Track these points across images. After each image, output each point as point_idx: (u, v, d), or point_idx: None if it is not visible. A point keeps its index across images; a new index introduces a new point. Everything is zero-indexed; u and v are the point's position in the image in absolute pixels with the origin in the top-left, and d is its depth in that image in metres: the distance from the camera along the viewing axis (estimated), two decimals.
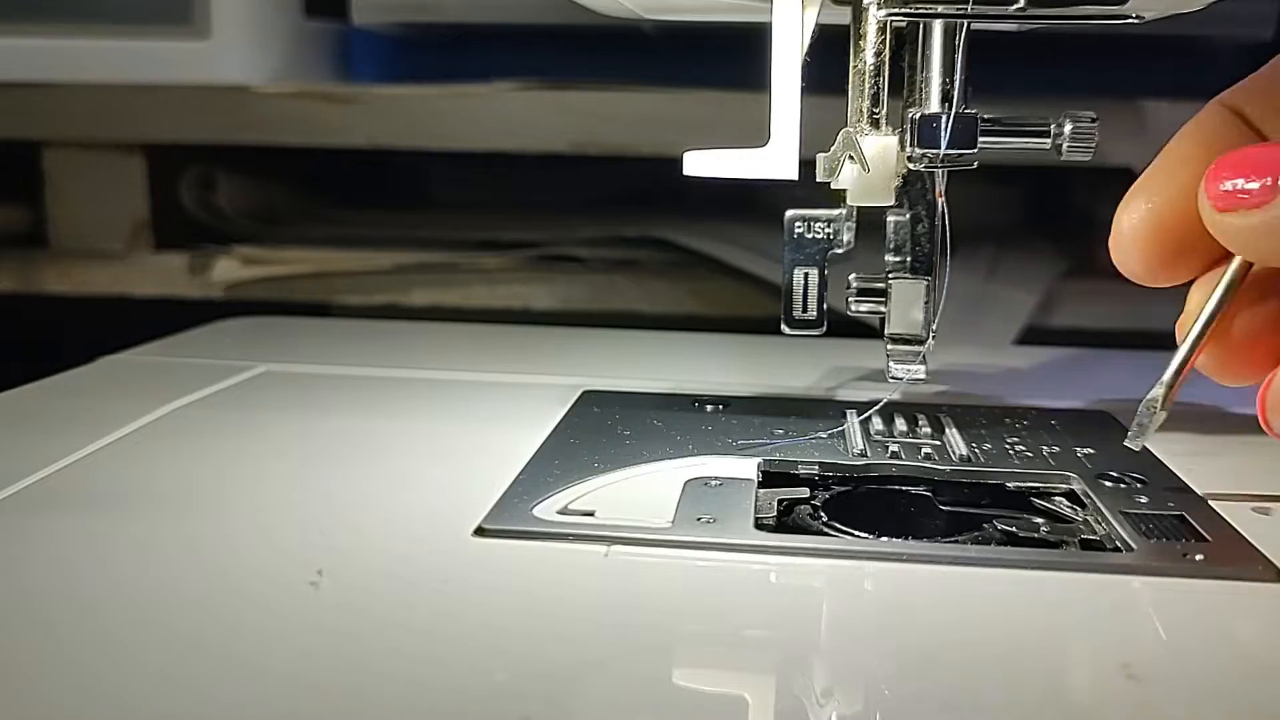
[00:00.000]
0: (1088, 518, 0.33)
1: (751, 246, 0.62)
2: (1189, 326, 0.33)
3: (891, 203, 0.37)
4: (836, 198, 0.38)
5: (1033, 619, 0.27)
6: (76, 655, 0.24)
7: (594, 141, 0.62)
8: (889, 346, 0.39)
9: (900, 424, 0.39)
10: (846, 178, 0.36)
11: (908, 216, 0.39)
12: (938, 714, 0.23)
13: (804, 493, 0.34)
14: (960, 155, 0.34)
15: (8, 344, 0.64)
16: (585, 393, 0.43)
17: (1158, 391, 0.33)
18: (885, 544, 0.30)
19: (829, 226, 0.39)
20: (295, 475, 0.36)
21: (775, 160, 0.34)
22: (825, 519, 0.33)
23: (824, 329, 0.39)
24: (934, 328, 0.39)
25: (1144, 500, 0.33)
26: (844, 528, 0.32)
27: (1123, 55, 0.66)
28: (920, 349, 0.39)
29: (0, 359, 0.53)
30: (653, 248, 0.65)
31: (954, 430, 0.39)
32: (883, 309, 0.39)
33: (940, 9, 0.33)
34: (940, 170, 0.36)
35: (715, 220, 0.65)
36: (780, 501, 0.34)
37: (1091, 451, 0.37)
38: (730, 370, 0.49)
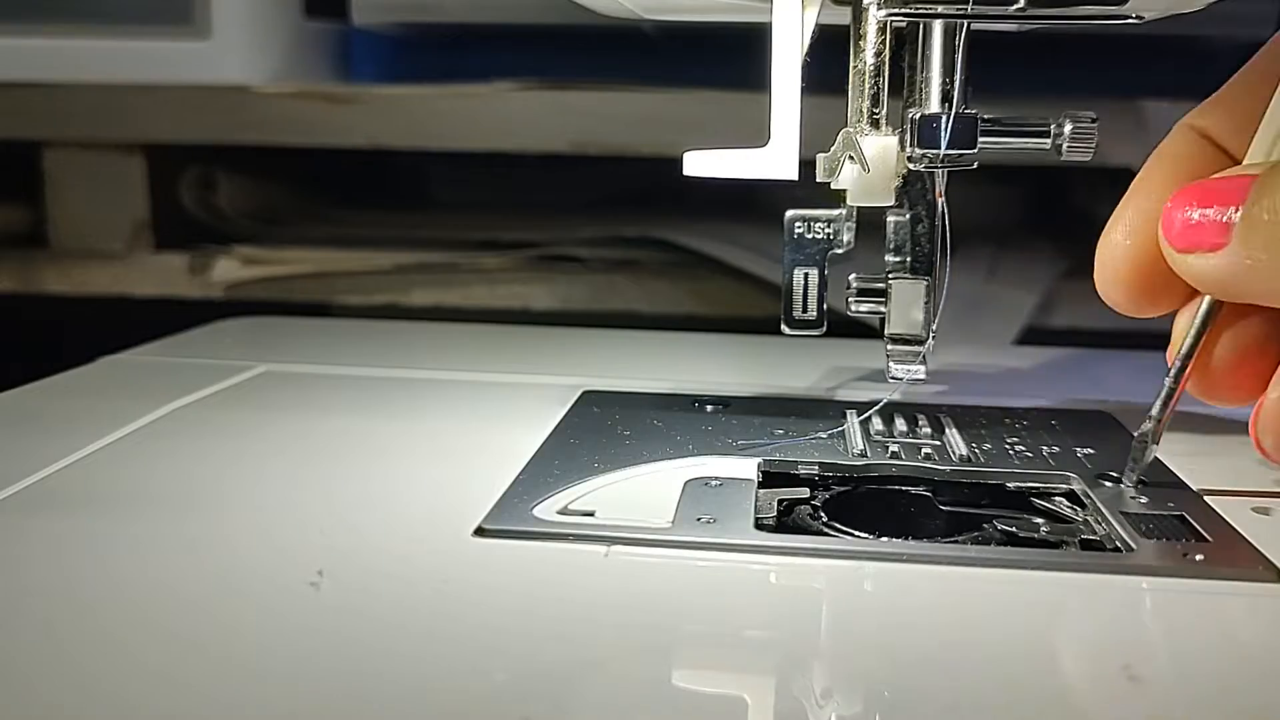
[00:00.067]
0: (1088, 518, 0.33)
1: (751, 246, 0.62)
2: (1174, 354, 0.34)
3: (891, 203, 0.37)
4: (836, 198, 0.38)
5: (1033, 619, 0.27)
6: (76, 655, 0.24)
7: (594, 141, 0.62)
8: (889, 346, 0.39)
9: (900, 424, 0.39)
10: (846, 178, 0.36)
11: (908, 216, 0.39)
12: (938, 714, 0.23)
13: (804, 493, 0.34)
14: (960, 155, 0.34)
15: (8, 344, 0.64)
16: (585, 393, 0.43)
17: (1147, 426, 0.33)
18: (885, 544, 0.30)
19: (829, 226, 0.39)
20: (295, 475, 0.36)
21: (775, 160, 0.34)
22: (825, 519, 0.33)
23: (824, 329, 0.39)
24: (934, 328, 0.39)
25: (1144, 500, 0.33)
26: (844, 528, 0.32)
27: (1123, 55, 0.66)
28: (920, 349, 0.39)
29: (0, 359, 0.53)
30: (653, 248, 0.65)
31: (954, 430, 0.39)
32: (883, 309, 0.39)
33: (940, 9, 0.33)
34: (940, 170, 0.36)
35: (715, 220, 0.65)
36: (780, 501, 0.34)
37: (1091, 451, 0.37)
38: (730, 370, 0.49)
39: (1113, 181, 0.36)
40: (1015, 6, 0.32)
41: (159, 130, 0.64)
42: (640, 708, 0.23)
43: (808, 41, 0.34)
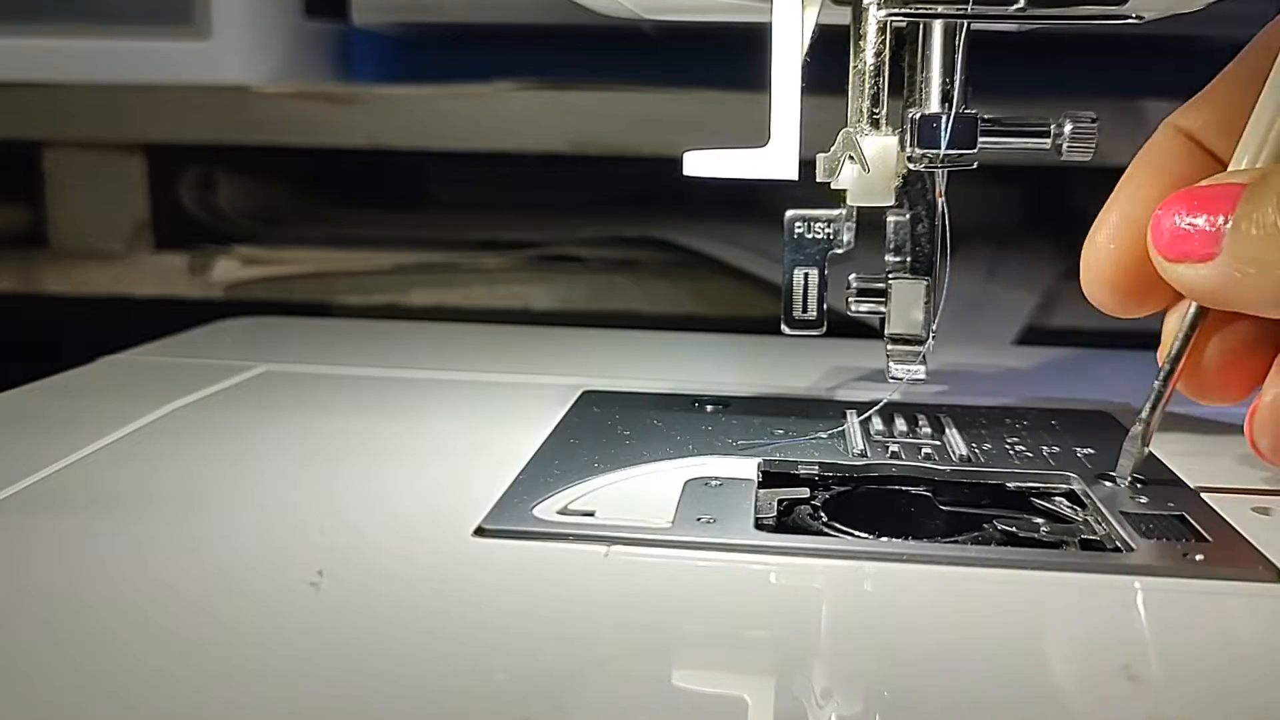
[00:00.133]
0: (1088, 518, 0.33)
1: (751, 246, 0.62)
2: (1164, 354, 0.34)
3: (891, 203, 0.37)
4: (836, 198, 0.38)
5: (1033, 619, 0.27)
6: (76, 655, 0.24)
7: (594, 141, 0.62)
8: (889, 346, 0.39)
9: (900, 424, 0.39)
10: (846, 178, 0.36)
11: (908, 216, 0.39)
12: (937, 714, 0.23)
13: (804, 493, 0.34)
14: (960, 155, 0.34)
15: (8, 344, 0.64)
16: (585, 393, 0.43)
17: (1137, 429, 0.34)
18: (885, 544, 0.30)
19: (829, 226, 0.39)
20: (295, 475, 0.36)
21: (775, 160, 0.34)
22: (825, 519, 0.33)
23: (824, 329, 0.39)
24: (934, 328, 0.39)
25: (1144, 500, 0.33)
26: (844, 528, 0.32)
27: (1123, 55, 0.66)
28: (920, 349, 0.39)
29: (0, 359, 0.53)
30: (653, 248, 0.65)
31: (954, 430, 0.39)
32: (883, 309, 0.39)
33: (940, 9, 0.33)
34: (940, 170, 0.36)
35: (715, 220, 0.65)
36: (780, 501, 0.34)
37: (1091, 451, 0.37)
38: (730, 370, 0.49)
39: (1112, 182, 0.36)
40: (1015, 6, 0.32)
41: (159, 130, 0.64)
42: (640, 708, 0.23)
43: (808, 41, 0.34)
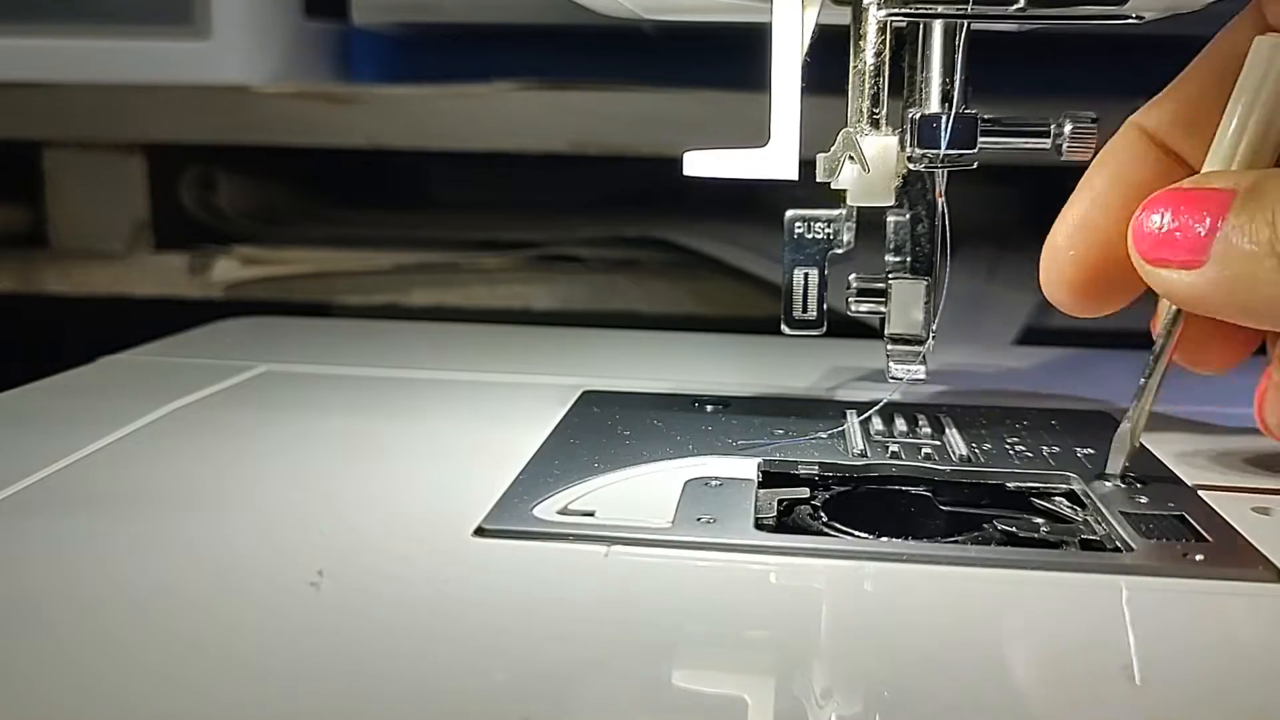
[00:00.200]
0: (1088, 518, 0.33)
1: (751, 246, 0.62)
2: (1159, 325, 0.34)
3: (891, 203, 0.37)
4: (836, 198, 0.38)
5: (1033, 619, 0.27)
6: (76, 655, 0.24)
7: (594, 141, 0.62)
8: (889, 346, 0.39)
9: (900, 424, 0.39)
10: (846, 178, 0.36)
11: (908, 216, 0.39)
12: (937, 714, 0.23)
13: (804, 493, 0.34)
14: (960, 155, 0.34)
15: (8, 344, 0.64)
16: (585, 393, 0.43)
17: (1125, 426, 0.34)
18: (885, 544, 0.30)
19: (829, 226, 0.39)
20: (295, 475, 0.36)
21: (775, 160, 0.34)
22: (825, 519, 0.33)
23: (824, 329, 0.39)
24: (934, 328, 0.39)
25: (1144, 500, 0.33)
26: (844, 528, 0.32)
27: (1123, 55, 0.66)
28: (920, 349, 0.39)
29: (0, 359, 0.53)
30: (653, 248, 0.65)
31: (954, 430, 0.39)
32: (883, 309, 0.39)
33: (940, 9, 0.33)
34: (940, 170, 0.36)
35: (715, 220, 0.65)
36: (780, 501, 0.33)
37: (1091, 451, 0.37)
38: (730, 370, 0.49)
39: None
40: (1015, 6, 0.32)
41: (159, 130, 0.64)
42: (640, 708, 0.23)
43: (808, 41, 0.34)
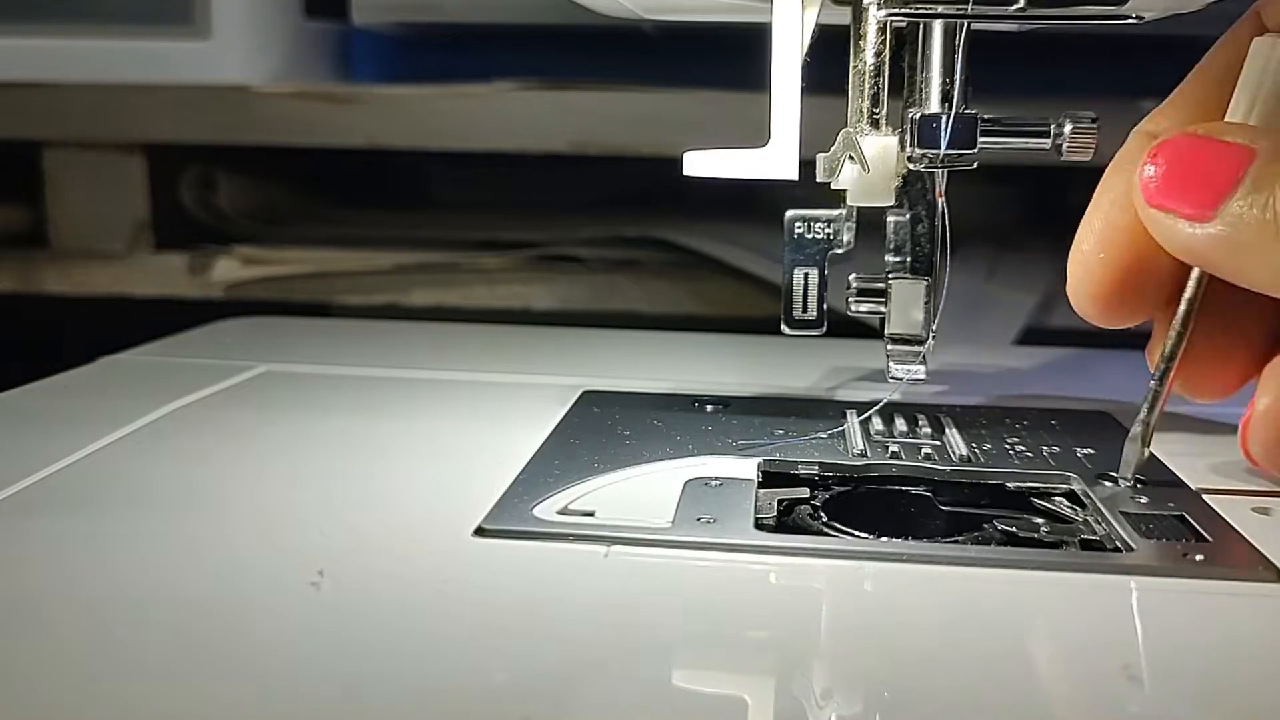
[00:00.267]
0: (1088, 518, 0.33)
1: (751, 246, 0.62)
2: (1156, 355, 0.34)
3: (891, 203, 0.37)
4: (836, 198, 0.38)
5: (1033, 619, 0.27)
6: (76, 655, 0.24)
7: (594, 141, 0.62)
8: (889, 346, 0.39)
9: (900, 424, 0.39)
10: (846, 178, 0.36)
11: (908, 216, 0.39)
12: (937, 715, 0.23)
13: (804, 493, 0.34)
14: (960, 155, 0.34)
15: (8, 344, 0.64)
16: (585, 393, 0.43)
17: (1137, 430, 0.34)
18: (885, 544, 0.30)
19: (829, 226, 0.39)
20: (295, 475, 0.36)
21: (775, 160, 0.34)
22: (825, 519, 0.33)
23: (824, 329, 0.39)
24: (934, 328, 0.39)
25: (1144, 500, 0.33)
26: (844, 528, 0.32)
27: (1123, 55, 0.66)
28: (920, 349, 0.39)
29: (0, 359, 0.53)
30: (653, 248, 0.65)
31: (954, 430, 0.39)
32: (883, 309, 0.39)
33: (940, 9, 0.33)
34: (940, 170, 0.36)
35: (715, 220, 0.65)
36: (780, 501, 0.34)
37: (1091, 451, 0.37)
38: (730, 370, 0.49)
39: None
40: (1015, 6, 0.32)
41: (159, 130, 0.64)
42: (640, 708, 0.23)
43: (808, 41, 0.34)
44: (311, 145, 0.64)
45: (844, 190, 0.36)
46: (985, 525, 0.33)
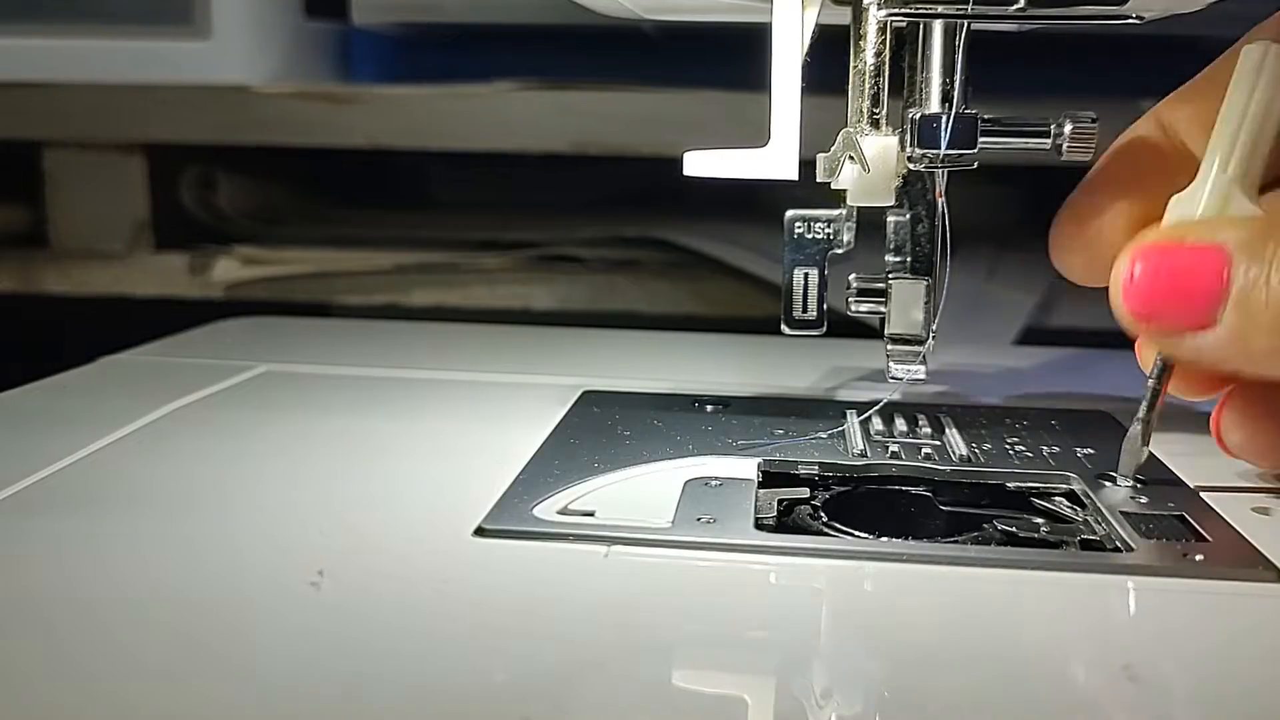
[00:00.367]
0: (1088, 518, 0.33)
1: (751, 246, 0.62)
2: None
3: (891, 203, 0.37)
4: (836, 198, 0.38)
5: (1033, 619, 0.27)
6: (76, 655, 0.24)
7: (594, 141, 0.62)
8: (889, 346, 0.39)
9: (900, 424, 0.39)
10: (846, 178, 0.36)
11: (908, 216, 0.39)
12: (937, 715, 0.23)
13: (804, 493, 0.34)
14: (960, 155, 0.34)
15: (8, 344, 0.64)
16: (585, 393, 0.43)
17: (1136, 429, 0.34)
18: (885, 544, 0.30)
19: (829, 226, 0.39)
20: (295, 475, 0.36)
21: (775, 160, 0.34)
22: (825, 519, 0.33)
23: (824, 329, 0.39)
24: (934, 328, 0.39)
25: (1144, 500, 0.33)
26: (844, 528, 0.32)
27: (1123, 55, 0.66)
28: (920, 349, 0.39)
29: (0, 359, 0.53)
30: (653, 248, 0.65)
31: (954, 430, 0.39)
32: (883, 309, 0.39)
33: (940, 9, 0.33)
34: (940, 170, 0.36)
35: (715, 220, 0.65)
36: (780, 501, 0.34)
37: (1091, 451, 0.37)
38: (730, 370, 0.49)
39: None
40: (1015, 6, 0.32)
41: (159, 130, 0.64)
42: (640, 708, 0.23)
43: (808, 41, 0.34)
44: (311, 145, 0.64)
45: (844, 190, 0.36)
46: (985, 525, 0.33)
